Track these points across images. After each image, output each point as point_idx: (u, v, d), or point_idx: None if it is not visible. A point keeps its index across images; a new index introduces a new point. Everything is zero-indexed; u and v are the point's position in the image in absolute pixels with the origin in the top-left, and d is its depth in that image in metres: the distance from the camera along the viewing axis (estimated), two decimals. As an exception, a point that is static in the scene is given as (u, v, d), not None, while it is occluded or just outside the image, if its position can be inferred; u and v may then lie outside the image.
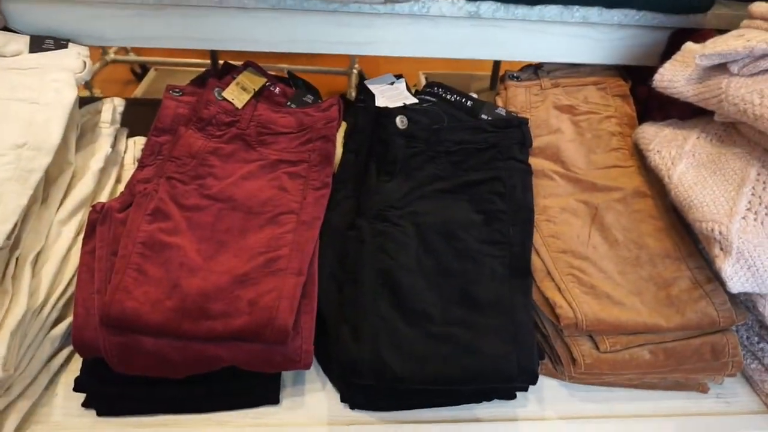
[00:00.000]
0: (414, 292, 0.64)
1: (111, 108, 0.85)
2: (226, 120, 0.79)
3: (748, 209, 0.63)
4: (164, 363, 0.60)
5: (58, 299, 0.64)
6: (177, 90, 0.83)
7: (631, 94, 0.91)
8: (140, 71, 2.02)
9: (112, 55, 1.94)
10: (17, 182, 0.63)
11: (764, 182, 0.65)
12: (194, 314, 0.59)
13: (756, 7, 0.70)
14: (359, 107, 0.87)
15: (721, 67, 0.69)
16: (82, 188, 0.74)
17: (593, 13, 0.84)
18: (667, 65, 0.77)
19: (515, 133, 0.80)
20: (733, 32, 0.71)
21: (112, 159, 0.82)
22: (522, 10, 0.83)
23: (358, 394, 0.64)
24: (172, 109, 0.81)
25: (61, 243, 0.67)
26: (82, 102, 0.82)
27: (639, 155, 0.82)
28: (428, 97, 0.87)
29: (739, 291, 0.62)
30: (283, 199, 0.73)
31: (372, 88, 0.88)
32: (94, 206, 0.68)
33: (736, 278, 0.61)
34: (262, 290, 0.62)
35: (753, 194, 0.64)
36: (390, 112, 0.80)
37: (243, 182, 0.74)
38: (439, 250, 0.68)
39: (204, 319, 0.59)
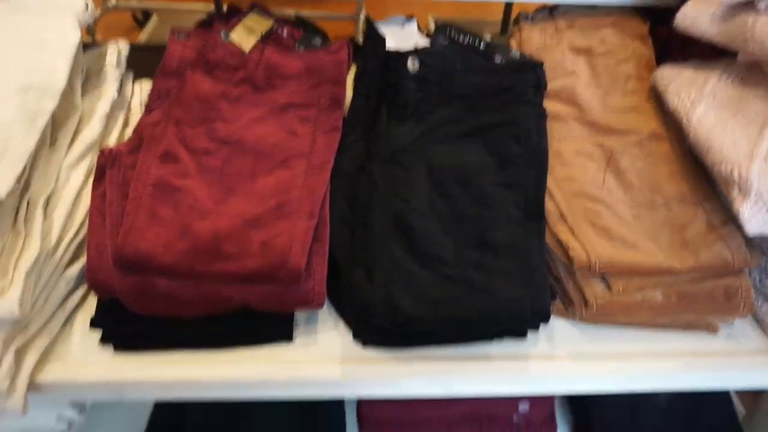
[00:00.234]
0: (427, 235, 0.64)
1: (116, 51, 0.83)
2: (234, 63, 0.78)
3: (770, 151, 0.62)
4: (178, 303, 0.60)
5: (71, 241, 0.64)
6: (182, 33, 0.81)
7: (650, 36, 0.88)
8: (142, 17, 1.98)
9: (113, 1, 1.89)
10: (24, 125, 0.62)
11: (787, 124, 0.63)
12: (206, 256, 0.59)
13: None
14: (368, 50, 0.84)
15: (748, 5, 0.66)
16: (90, 132, 0.73)
17: (612, -50, 0.81)
18: (690, 4, 0.74)
19: (530, 75, 0.77)
20: (761, -33, 0.68)
21: (119, 103, 0.81)
22: (538, -54, 0.80)
23: (370, 333, 0.65)
24: (178, 52, 0.79)
25: (71, 186, 0.67)
26: (85, 48, 0.80)
27: (656, 98, 0.80)
28: (440, 40, 0.85)
29: (756, 234, 0.61)
30: (293, 143, 0.72)
31: (382, 29, 0.86)
32: (102, 150, 0.68)
33: (754, 221, 0.60)
34: (273, 233, 0.61)
35: (775, 136, 0.62)
36: (401, 55, 0.78)
37: (252, 126, 0.73)
38: (453, 193, 0.68)
39: (216, 260, 0.59)
